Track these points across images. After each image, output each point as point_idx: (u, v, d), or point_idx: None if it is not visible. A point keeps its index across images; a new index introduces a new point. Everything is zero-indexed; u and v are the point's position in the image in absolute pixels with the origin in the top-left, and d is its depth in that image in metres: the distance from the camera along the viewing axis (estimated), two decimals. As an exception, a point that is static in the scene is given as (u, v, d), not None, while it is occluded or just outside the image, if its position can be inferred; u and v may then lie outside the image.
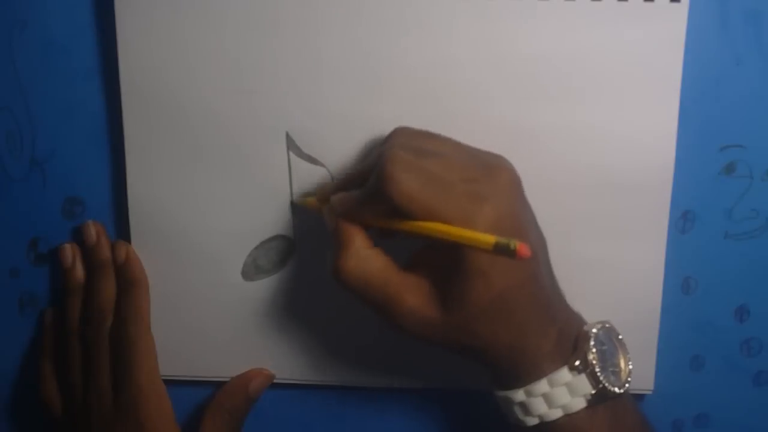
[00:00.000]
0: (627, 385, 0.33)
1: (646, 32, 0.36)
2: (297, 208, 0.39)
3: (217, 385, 0.41)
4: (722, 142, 0.38)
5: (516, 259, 0.28)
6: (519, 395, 0.33)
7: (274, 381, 0.41)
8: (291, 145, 0.38)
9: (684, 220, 0.39)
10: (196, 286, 0.40)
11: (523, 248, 0.28)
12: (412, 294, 0.32)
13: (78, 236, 0.40)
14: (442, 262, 0.32)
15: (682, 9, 0.36)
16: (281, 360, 0.40)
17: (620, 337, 0.34)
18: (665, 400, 0.40)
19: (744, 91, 0.37)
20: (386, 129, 0.37)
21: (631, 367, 0.34)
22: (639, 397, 0.40)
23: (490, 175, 0.32)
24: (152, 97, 0.38)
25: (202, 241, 0.39)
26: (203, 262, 0.39)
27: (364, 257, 0.33)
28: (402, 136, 0.34)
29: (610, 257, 0.38)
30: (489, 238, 0.29)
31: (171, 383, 0.39)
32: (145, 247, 0.39)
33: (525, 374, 0.33)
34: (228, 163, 0.38)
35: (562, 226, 0.37)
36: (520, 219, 0.32)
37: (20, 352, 0.42)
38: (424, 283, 0.32)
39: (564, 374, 0.32)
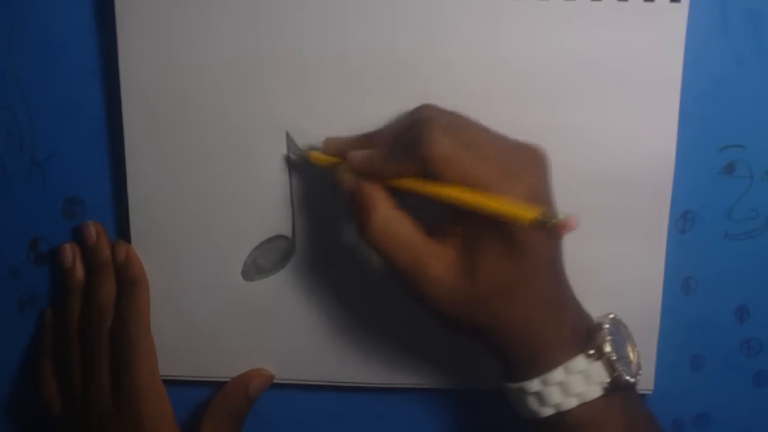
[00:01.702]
0: (639, 375, 0.33)
1: (646, 32, 0.36)
2: (297, 208, 0.39)
3: (217, 385, 0.41)
4: (722, 142, 0.38)
5: (556, 235, 0.27)
6: (534, 385, 0.33)
7: (274, 381, 0.41)
8: (291, 145, 0.38)
9: (684, 220, 0.39)
10: (196, 286, 0.40)
11: (567, 223, 0.27)
12: (437, 261, 0.32)
13: (78, 236, 0.40)
14: (467, 234, 0.32)
15: (682, 9, 0.36)
16: (281, 360, 0.40)
17: (628, 329, 0.35)
18: (665, 400, 0.40)
19: (744, 91, 0.37)
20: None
21: (639, 359, 0.34)
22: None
23: (526, 154, 0.32)
24: (152, 97, 0.38)
25: (202, 241, 0.39)
26: (203, 262, 0.39)
27: (392, 218, 0.32)
28: (434, 109, 0.34)
29: (610, 257, 0.38)
30: (531, 212, 0.28)
31: (171, 383, 0.39)
32: (145, 247, 0.39)
33: (540, 363, 0.32)
34: (228, 163, 0.38)
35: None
36: (550, 201, 0.32)
37: (20, 352, 0.42)
38: (448, 252, 0.32)
39: (580, 362, 0.32)
